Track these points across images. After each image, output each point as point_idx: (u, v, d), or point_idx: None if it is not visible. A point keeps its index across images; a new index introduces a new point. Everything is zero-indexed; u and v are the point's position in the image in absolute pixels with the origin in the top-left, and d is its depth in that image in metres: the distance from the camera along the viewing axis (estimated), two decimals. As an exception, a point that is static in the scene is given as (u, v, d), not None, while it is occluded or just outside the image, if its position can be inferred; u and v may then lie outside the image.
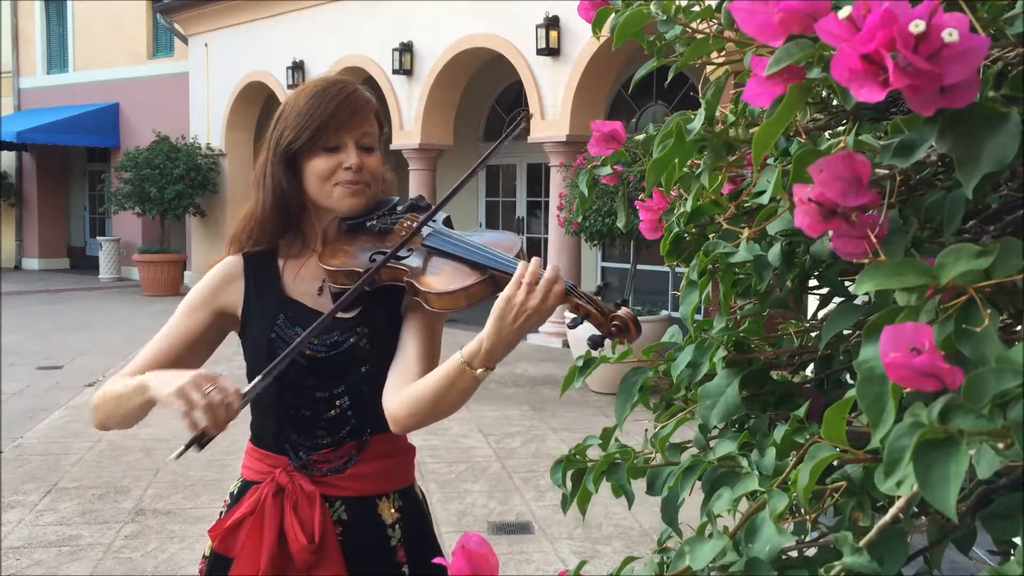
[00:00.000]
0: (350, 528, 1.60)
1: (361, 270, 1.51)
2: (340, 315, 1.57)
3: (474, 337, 1.38)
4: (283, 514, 1.55)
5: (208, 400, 1.32)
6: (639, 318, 1.53)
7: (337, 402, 1.59)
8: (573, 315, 1.38)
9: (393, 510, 1.64)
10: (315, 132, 1.53)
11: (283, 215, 1.60)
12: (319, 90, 1.56)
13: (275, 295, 1.61)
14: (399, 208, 1.64)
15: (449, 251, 1.51)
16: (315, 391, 1.59)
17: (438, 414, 1.46)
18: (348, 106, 1.55)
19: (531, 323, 1.34)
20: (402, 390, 1.50)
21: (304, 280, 1.62)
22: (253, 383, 1.41)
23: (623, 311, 1.36)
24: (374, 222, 1.60)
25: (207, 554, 1.66)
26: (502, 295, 1.35)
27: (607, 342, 1.34)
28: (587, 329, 1.36)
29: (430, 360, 1.55)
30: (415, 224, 1.55)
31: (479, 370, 1.37)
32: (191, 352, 1.60)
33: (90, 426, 6.49)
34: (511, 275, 1.37)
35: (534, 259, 1.37)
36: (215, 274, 1.64)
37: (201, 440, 1.36)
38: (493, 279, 1.44)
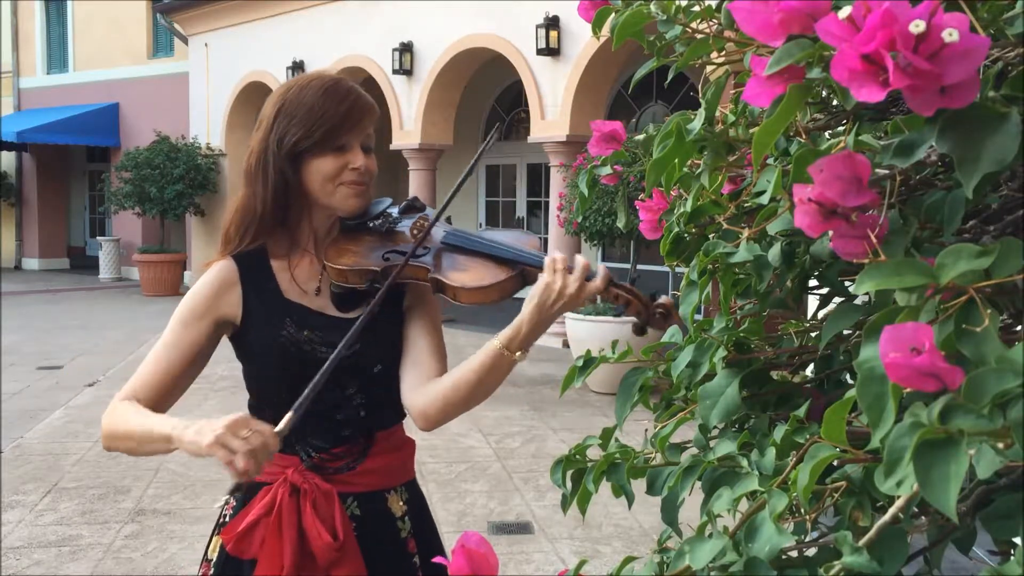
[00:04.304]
0: (363, 523, 1.62)
1: (377, 268, 1.53)
2: (346, 316, 1.58)
3: (490, 333, 1.44)
4: (300, 513, 1.55)
5: (250, 446, 1.31)
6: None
7: (351, 403, 1.61)
8: (614, 305, 1.48)
9: (401, 503, 1.67)
10: (327, 132, 1.53)
11: (282, 211, 1.60)
12: (327, 88, 1.54)
13: (275, 298, 1.60)
14: (394, 209, 1.65)
15: (471, 248, 1.55)
16: (327, 392, 1.58)
17: (470, 404, 1.52)
18: (359, 108, 1.56)
19: (566, 308, 1.43)
20: (426, 386, 1.55)
21: (299, 281, 1.62)
22: (286, 418, 1.39)
23: (664, 298, 1.46)
24: (378, 222, 1.61)
25: (211, 558, 1.64)
26: (540, 281, 1.42)
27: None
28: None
29: (442, 355, 1.62)
30: (427, 223, 1.57)
31: (517, 353, 1.46)
32: (192, 364, 1.58)
33: (90, 426, 6.46)
34: (540, 269, 1.45)
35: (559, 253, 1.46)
36: (210, 283, 1.60)
37: (242, 486, 1.35)
38: (523, 274, 1.50)
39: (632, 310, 1.45)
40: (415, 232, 1.59)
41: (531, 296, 1.43)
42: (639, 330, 1.46)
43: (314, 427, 1.60)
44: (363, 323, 1.46)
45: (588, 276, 1.42)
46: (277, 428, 1.36)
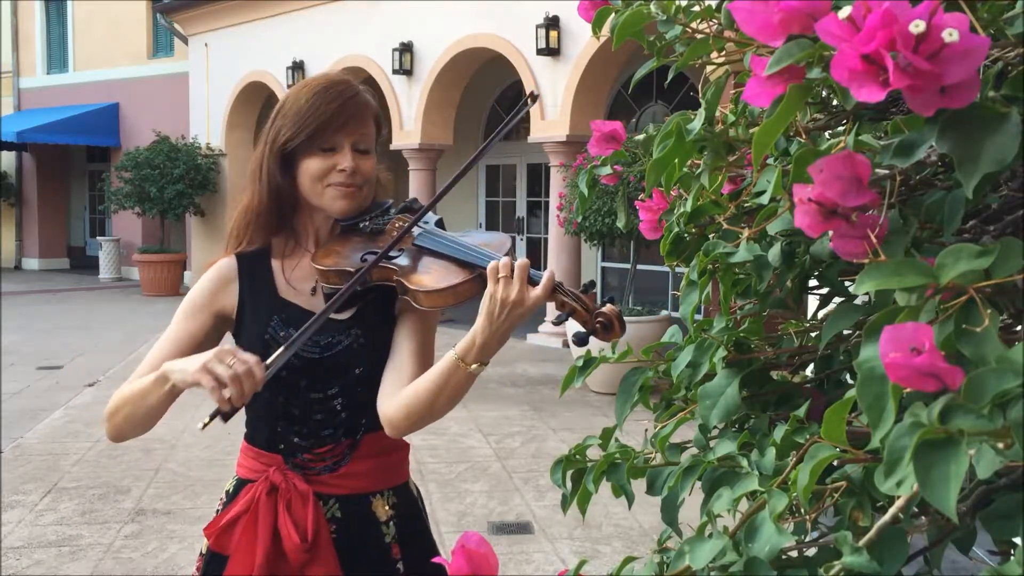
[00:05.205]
0: (344, 526, 1.61)
1: (352, 270, 1.51)
2: (334, 316, 1.57)
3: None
4: (277, 513, 1.56)
5: (233, 371, 1.34)
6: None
7: (331, 403, 1.60)
8: (558, 312, 1.39)
9: (387, 507, 1.65)
10: (312, 132, 1.53)
11: (278, 210, 1.61)
12: (321, 89, 1.55)
13: (269, 296, 1.62)
14: (392, 210, 1.64)
15: (438, 250, 1.52)
16: (309, 392, 1.59)
17: (434, 414, 1.48)
18: (348, 109, 1.55)
19: (518, 314, 1.37)
20: (397, 393, 1.51)
21: (298, 281, 1.63)
22: (275, 354, 1.41)
23: (608, 308, 1.38)
24: (367, 223, 1.60)
25: (204, 552, 1.66)
26: (486, 291, 1.38)
27: (592, 339, 1.36)
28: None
29: (424, 362, 1.57)
30: (406, 224, 1.55)
31: (473, 365, 1.40)
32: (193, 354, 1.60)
33: (90, 426, 6.46)
34: None
35: (506, 257, 1.40)
36: (210, 277, 1.64)
37: (226, 412, 1.37)
38: (481, 277, 1.43)
39: (578, 318, 1.38)
40: (394, 233, 1.58)
41: (480, 307, 1.39)
42: (579, 341, 1.35)
43: (295, 427, 1.60)
44: (318, 320, 1.46)
45: (532, 281, 1.36)
46: (267, 361, 1.39)
